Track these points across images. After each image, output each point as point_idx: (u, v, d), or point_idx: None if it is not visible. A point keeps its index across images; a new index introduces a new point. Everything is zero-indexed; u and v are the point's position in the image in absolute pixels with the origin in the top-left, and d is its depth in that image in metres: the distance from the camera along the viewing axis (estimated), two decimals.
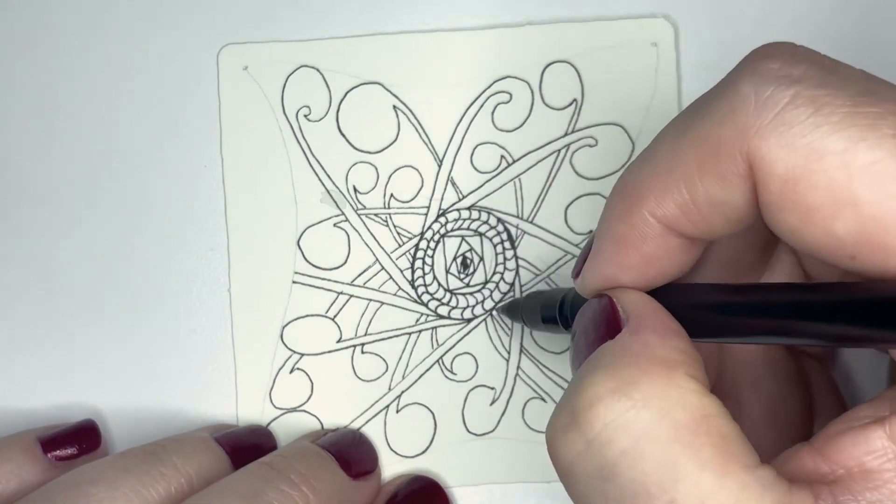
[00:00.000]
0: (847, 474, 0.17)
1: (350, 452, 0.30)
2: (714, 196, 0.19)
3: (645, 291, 0.21)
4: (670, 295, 0.21)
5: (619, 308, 0.20)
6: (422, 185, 0.31)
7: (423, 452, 0.31)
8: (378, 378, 0.31)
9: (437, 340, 0.31)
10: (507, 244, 0.31)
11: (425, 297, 0.31)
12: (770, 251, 0.26)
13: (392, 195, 0.31)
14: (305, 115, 0.31)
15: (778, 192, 0.18)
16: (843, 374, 0.29)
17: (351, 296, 0.31)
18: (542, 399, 0.31)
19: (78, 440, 0.30)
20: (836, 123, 0.17)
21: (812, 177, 0.17)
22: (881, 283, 0.17)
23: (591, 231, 0.31)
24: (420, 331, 0.31)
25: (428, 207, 0.31)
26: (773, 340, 0.20)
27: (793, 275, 0.25)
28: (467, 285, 0.31)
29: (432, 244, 0.31)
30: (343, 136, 0.31)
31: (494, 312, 0.31)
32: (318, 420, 0.31)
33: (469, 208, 0.31)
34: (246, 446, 0.30)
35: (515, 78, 0.31)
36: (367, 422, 0.31)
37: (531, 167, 0.31)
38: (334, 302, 0.31)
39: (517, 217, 0.31)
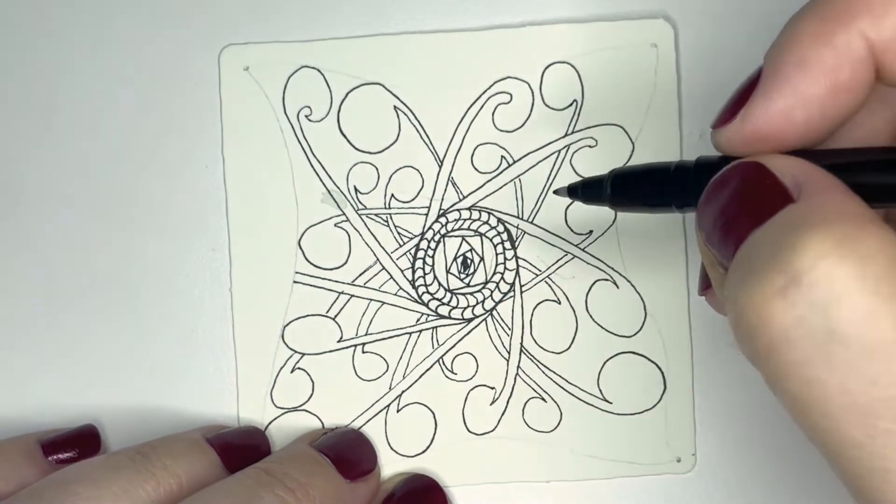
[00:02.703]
0: None
1: (349, 452, 0.30)
2: None
3: (802, 149, 0.19)
4: (830, 158, 0.19)
5: (778, 175, 0.19)
6: (422, 186, 0.32)
7: (424, 452, 0.31)
8: (378, 377, 0.31)
9: (437, 340, 0.31)
10: (507, 244, 0.31)
11: (426, 297, 0.31)
12: None
13: (393, 195, 0.32)
14: (306, 116, 0.32)
15: None
16: None
17: (352, 295, 0.31)
18: (542, 399, 0.31)
19: (78, 444, 0.30)
20: None
21: None
22: None
23: (590, 231, 0.31)
24: (420, 330, 0.31)
25: (428, 207, 0.32)
26: None
27: None
28: (467, 285, 0.32)
29: (433, 244, 0.32)
30: (344, 136, 0.32)
31: (554, 194, 0.29)
32: (319, 419, 0.31)
33: (469, 208, 0.32)
34: (238, 447, 0.30)
35: (516, 78, 0.31)
36: (367, 421, 0.31)
37: (531, 167, 0.31)
38: (335, 302, 0.31)
39: (517, 217, 0.31)
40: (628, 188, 0.24)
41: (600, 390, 0.31)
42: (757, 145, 0.20)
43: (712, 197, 0.20)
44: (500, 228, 0.31)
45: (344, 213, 0.32)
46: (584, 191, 0.26)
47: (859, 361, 0.16)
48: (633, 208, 0.25)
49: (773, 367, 0.17)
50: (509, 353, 0.31)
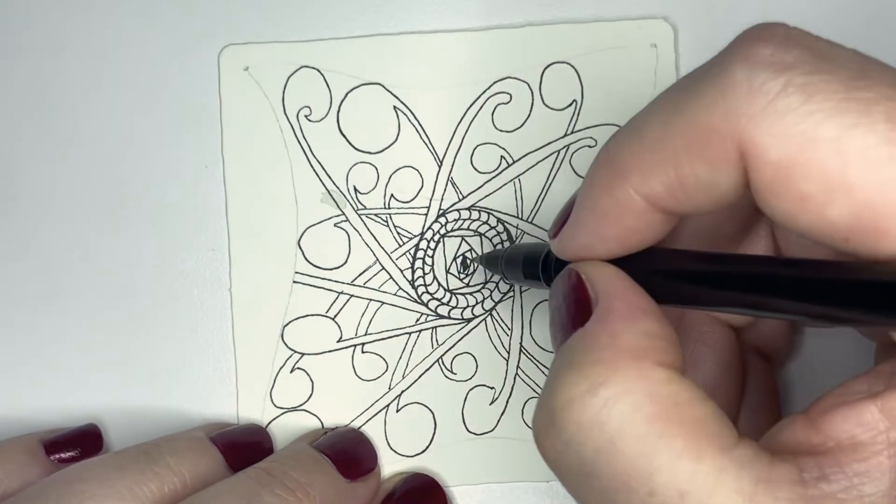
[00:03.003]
0: (837, 447, 0.18)
1: (349, 452, 0.30)
2: (702, 178, 0.19)
3: (620, 256, 0.21)
4: (643, 260, 0.21)
5: (588, 288, 0.21)
6: (422, 186, 0.32)
7: (423, 452, 0.31)
8: (378, 377, 0.31)
9: (436, 340, 0.31)
10: (506, 244, 0.31)
11: (425, 297, 0.32)
12: (750, 225, 0.26)
13: (392, 195, 0.32)
14: (306, 116, 0.32)
15: (770, 179, 0.18)
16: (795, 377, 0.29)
17: (351, 295, 0.32)
18: None
19: (80, 443, 0.30)
20: (829, 110, 0.17)
21: (806, 164, 0.17)
22: (861, 265, 0.17)
23: None
24: (420, 330, 0.31)
25: (428, 208, 0.32)
26: (744, 312, 0.20)
27: (767, 250, 0.25)
28: (467, 285, 0.32)
29: (432, 244, 0.32)
30: (343, 136, 0.32)
31: (476, 262, 0.31)
32: (319, 419, 0.31)
33: (469, 208, 0.32)
34: (241, 445, 0.30)
35: (515, 79, 0.31)
36: (367, 421, 0.31)
37: (531, 168, 0.31)
38: (335, 302, 0.31)
39: (517, 217, 0.31)
40: (515, 267, 0.27)
41: None
42: (576, 259, 0.22)
43: (550, 301, 0.22)
44: (500, 228, 0.31)
45: (343, 213, 0.32)
46: (486, 263, 0.31)
47: (608, 492, 0.18)
48: (522, 282, 0.28)
49: (562, 485, 0.20)
50: (509, 352, 0.31)
